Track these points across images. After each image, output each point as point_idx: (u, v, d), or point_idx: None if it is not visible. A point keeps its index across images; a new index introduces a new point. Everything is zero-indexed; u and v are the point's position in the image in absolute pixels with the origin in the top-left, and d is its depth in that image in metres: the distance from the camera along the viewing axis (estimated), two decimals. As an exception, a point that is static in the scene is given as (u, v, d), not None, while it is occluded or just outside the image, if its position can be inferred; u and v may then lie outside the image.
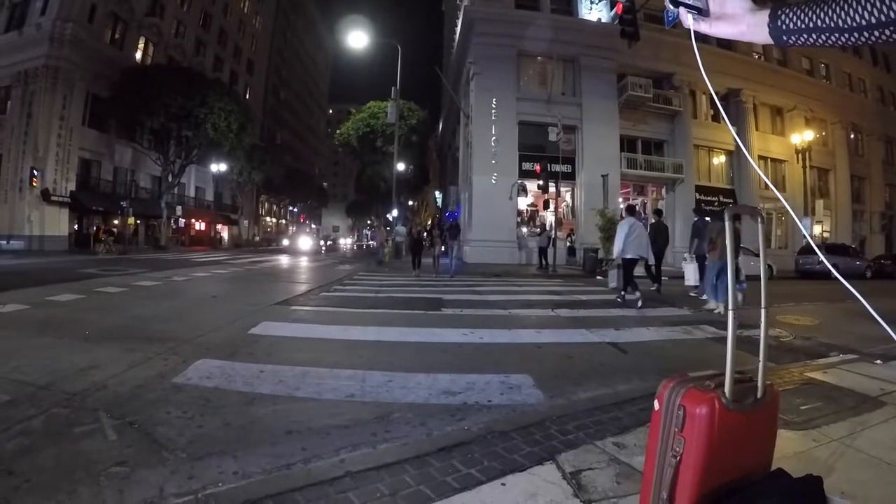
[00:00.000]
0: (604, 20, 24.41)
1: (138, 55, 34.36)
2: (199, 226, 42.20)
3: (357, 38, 21.36)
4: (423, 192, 47.50)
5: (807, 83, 30.56)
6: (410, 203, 39.43)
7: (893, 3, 0.75)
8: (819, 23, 0.84)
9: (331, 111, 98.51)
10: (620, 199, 24.17)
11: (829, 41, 0.85)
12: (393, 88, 23.22)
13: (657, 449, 1.57)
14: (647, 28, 21.37)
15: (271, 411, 3.05)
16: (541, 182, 19.82)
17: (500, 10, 24.09)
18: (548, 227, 21.49)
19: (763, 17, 0.91)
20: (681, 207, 24.76)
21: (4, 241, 25.42)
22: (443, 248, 15.94)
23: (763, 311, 1.46)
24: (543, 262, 18.90)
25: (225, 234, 47.18)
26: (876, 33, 0.79)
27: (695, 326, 6.53)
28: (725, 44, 27.57)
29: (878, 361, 4.33)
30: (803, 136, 24.14)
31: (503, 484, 2.11)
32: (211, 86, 32.35)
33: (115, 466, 2.27)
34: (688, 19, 0.95)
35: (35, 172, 26.05)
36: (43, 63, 27.44)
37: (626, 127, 25.01)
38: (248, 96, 48.38)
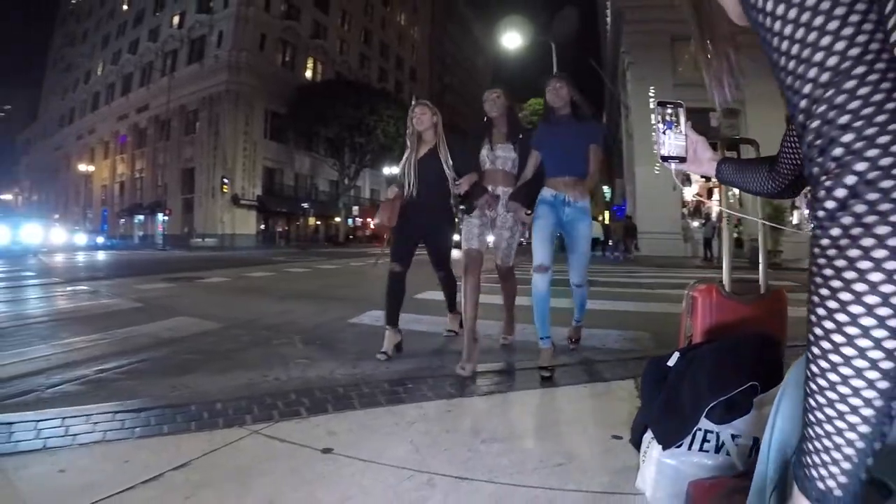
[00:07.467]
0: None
1: (308, 73, 38.74)
2: (375, 224, 46.21)
3: (511, 39, 21.87)
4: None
5: None
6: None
7: (775, 183, 1.21)
8: (739, 183, 1.30)
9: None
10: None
11: (747, 192, 1.33)
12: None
13: (681, 340, 2.08)
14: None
15: (422, 340, 3.99)
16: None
17: (648, -4, 23.07)
18: (713, 217, 20.19)
19: (713, 165, 1.33)
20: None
21: (200, 239, 30.87)
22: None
23: (760, 222, 1.91)
24: (708, 254, 17.96)
25: (401, 232, 51.02)
26: (775, 196, 1.27)
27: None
28: None
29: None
30: None
31: (584, 386, 2.74)
32: (378, 95, 35.25)
33: (301, 359, 3.46)
34: (671, 165, 1.36)
35: (225, 181, 30.92)
36: (224, 88, 32.34)
37: (797, 108, 22.33)
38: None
